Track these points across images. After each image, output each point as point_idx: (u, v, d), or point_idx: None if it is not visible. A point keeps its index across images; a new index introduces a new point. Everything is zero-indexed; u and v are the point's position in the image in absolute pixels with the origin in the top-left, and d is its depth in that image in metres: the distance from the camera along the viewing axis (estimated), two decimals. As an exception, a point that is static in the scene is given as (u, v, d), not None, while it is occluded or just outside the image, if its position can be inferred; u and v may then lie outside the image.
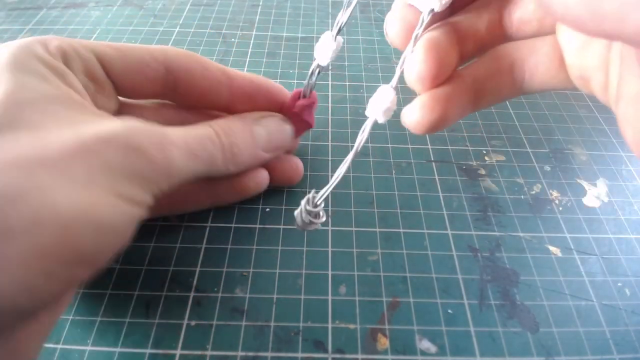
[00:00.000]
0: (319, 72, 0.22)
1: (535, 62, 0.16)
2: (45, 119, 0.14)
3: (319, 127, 0.31)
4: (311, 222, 0.18)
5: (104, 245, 0.14)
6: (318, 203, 0.18)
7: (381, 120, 0.17)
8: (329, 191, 0.18)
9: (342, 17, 0.19)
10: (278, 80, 0.35)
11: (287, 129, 0.23)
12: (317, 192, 0.18)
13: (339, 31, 0.19)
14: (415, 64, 0.15)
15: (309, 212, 0.18)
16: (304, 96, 0.23)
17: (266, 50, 0.39)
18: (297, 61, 0.37)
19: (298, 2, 0.45)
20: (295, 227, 0.19)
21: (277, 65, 0.37)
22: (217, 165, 0.18)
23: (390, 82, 0.17)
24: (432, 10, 0.15)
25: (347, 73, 0.36)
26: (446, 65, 0.15)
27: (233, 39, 0.40)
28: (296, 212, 0.19)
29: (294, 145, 0.26)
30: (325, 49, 0.20)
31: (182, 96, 0.22)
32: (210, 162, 0.18)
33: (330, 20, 0.42)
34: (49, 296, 0.13)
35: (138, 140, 0.15)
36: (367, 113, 0.17)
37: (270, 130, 0.21)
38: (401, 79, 0.17)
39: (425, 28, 0.15)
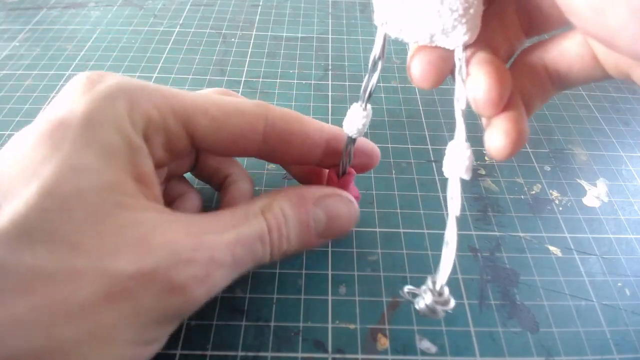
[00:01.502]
0: (352, 145, 0.19)
1: (568, 64, 0.15)
2: (90, 227, 0.12)
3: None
4: (441, 310, 0.15)
5: None
6: (442, 290, 0.15)
7: (467, 177, 0.16)
8: (448, 273, 0.15)
9: (370, 82, 0.17)
10: (278, 81, 0.35)
11: (352, 210, 0.19)
12: (434, 277, 0.15)
13: (369, 99, 0.17)
14: (481, 90, 0.14)
15: (437, 302, 0.15)
16: (343, 173, 0.20)
17: (266, 50, 0.39)
18: (297, 61, 0.37)
19: (298, 2, 0.45)
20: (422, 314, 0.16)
21: (277, 65, 0.37)
22: (261, 263, 0.16)
23: (460, 137, 0.16)
24: (464, 43, 0.14)
25: (347, 73, 0.36)
26: (508, 83, 0.14)
27: (233, 39, 0.40)
28: (420, 305, 0.16)
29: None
30: (355, 120, 0.18)
31: (273, 157, 0.19)
32: (255, 264, 0.16)
33: (330, 20, 0.42)
34: None
35: (183, 277, 0.12)
36: (447, 174, 0.16)
37: (333, 214, 0.18)
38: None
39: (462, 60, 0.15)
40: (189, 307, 0.13)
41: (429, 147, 0.30)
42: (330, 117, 0.32)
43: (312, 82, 0.35)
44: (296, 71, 0.36)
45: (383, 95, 0.34)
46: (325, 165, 0.20)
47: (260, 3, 0.45)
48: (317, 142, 0.18)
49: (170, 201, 0.21)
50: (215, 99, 0.17)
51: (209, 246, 0.14)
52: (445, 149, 0.16)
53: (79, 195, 0.12)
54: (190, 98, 0.16)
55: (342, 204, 0.18)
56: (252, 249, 0.15)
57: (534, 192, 0.28)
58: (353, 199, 0.19)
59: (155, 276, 0.12)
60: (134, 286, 0.12)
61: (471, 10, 0.13)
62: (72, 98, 0.14)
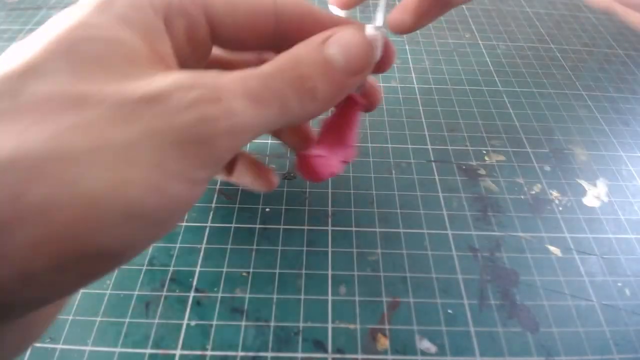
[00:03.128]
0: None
1: None
2: (91, 70, 0.11)
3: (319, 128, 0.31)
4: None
5: (133, 235, 0.11)
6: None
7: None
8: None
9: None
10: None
11: (363, 38, 0.17)
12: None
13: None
14: None
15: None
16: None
17: (266, 50, 0.39)
18: (297, 61, 0.37)
19: (298, 2, 0.45)
20: None
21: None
22: (294, 107, 0.14)
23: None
24: None
25: (347, 73, 0.36)
26: None
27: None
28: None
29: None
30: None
31: (286, 42, 0.18)
32: (283, 106, 0.14)
33: (330, 20, 0.42)
34: (55, 291, 0.11)
35: (190, 97, 0.12)
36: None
37: (346, 46, 0.16)
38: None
39: None
40: (213, 130, 0.12)
41: (429, 147, 0.30)
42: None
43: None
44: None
45: (383, 95, 0.34)
46: None
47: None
48: (329, 26, 0.17)
49: None
50: None
51: (212, 76, 0.13)
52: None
53: (89, 41, 0.12)
54: None
55: (350, 33, 0.16)
56: (268, 84, 0.13)
57: (534, 192, 0.28)
58: (362, 26, 0.17)
59: (160, 98, 0.11)
60: (141, 108, 0.11)
61: None
62: None
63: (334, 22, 0.17)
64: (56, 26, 0.12)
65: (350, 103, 0.19)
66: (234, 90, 0.13)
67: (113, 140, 0.10)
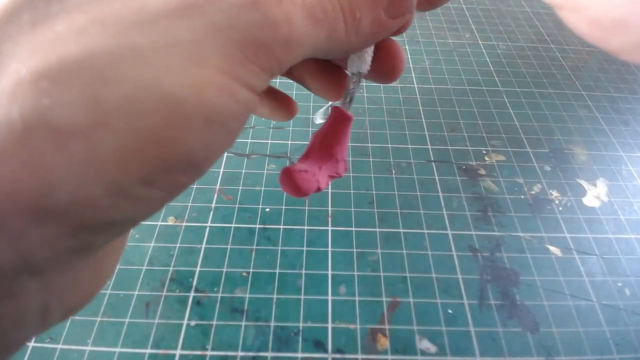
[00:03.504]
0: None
1: None
2: None
3: (319, 127, 0.31)
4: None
5: (212, 143, 0.10)
6: None
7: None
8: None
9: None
10: (278, 81, 0.35)
11: None
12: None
13: None
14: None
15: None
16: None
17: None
18: (297, 61, 0.37)
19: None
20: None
21: (277, 65, 0.37)
22: (340, 34, 0.13)
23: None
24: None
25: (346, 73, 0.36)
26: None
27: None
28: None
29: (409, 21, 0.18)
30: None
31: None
32: (332, 30, 0.13)
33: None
34: (144, 208, 0.10)
35: None
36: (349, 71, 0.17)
37: None
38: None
39: None
40: (275, 34, 0.11)
41: (429, 147, 0.30)
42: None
43: (312, 82, 0.35)
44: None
45: (383, 95, 0.34)
46: None
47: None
48: None
49: None
50: None
51: None
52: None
53: None
54: None
55: None
56: (324, 4, 0.12)
57: (534, 192, 0.28)
58: None
59: None
60: (200, 1, 0.10)
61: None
62: None
63: None
64: None
65: (340, 117, 0.19)
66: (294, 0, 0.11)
67: (180, 36, 0.09)
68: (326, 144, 0.20)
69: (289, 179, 0.19)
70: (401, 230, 0.25)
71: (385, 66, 0.18)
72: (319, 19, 0.12)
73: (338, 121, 0.20)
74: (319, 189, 0.19)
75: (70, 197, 0.08)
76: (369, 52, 0.17)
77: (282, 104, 0.21)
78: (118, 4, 0.09)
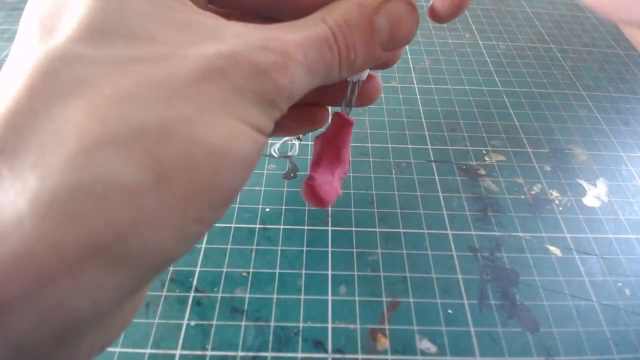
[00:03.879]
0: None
1: None
2: (158, 25, 0.11)
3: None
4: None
5: (244, 180, 0.12)
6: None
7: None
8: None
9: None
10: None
11: (415, 16, 0.16)
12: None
13: None
14: None
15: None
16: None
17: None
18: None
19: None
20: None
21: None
22: (332, 76, 0.15)
23: None
24: None
25: (347, 73, 0.36)
26: None
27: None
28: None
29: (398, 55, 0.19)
30: None
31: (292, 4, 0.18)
32: (326, 73, 0.15)
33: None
34: (195, 243, 0.11)
35: (265, 62, 0.12)
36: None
37: (395, 20, 0.16)
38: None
39: None
40: (278, 95, 0.13)
41: (429, 147, 0.30)
42: (330, 116, 0.32)
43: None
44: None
45: (383, 95, 0.34)
46: None
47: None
48: None
49: None
50: None
51: (280, 40, 0.13)
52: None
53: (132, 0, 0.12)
54: None
55: (404, 8, 0.16)
56: (321, 53, 0.14)
57: (534, 192, 0.28)
58: (413, 3, 0.17)
59: (238, 58, 0.12)
60: (225, 65, 0.12)
61: None
62: None
63: None
64: None
65: (342, 123, 0.21)
66: (296, 59, 0.13)
67: (212, 98, 0.11)
68: (333, 150, 0.22)
69: (313, 193, 0.21)
70: (401, 230, 0.25)
71: (365, 96, 0.20)
72: (314, 69, 0.14)
73: (341, 127, 0.21)
74: (338, 196, 0.21)
75: (143, 245, 0.09)
76: None
77: (308, 116, 0.22)
78: (152, 67, 0.11)
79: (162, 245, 0.10)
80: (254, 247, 0.24)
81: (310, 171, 0.22)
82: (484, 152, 0.30)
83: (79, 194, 0.09)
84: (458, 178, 0.28)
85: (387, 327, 0.21)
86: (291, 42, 0.13)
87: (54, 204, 0.08)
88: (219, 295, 0.22)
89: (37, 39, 0.11)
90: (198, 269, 0.23)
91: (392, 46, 0.16)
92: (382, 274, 0.23)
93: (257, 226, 0.25)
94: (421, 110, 0.33)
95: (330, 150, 0.22)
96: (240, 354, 0.20)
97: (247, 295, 0.22)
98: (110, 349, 0.20)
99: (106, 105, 0.10)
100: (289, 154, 0.28)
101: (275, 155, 0.26)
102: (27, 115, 0.09)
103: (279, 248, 0.24)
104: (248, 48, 0.12)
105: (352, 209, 0.26)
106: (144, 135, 0.10)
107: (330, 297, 0.22)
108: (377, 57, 0.16)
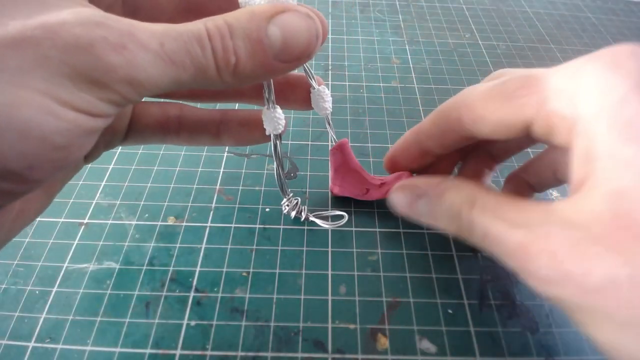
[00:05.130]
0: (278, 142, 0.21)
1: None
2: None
3: (318, 128, 0.31)
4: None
5: (33, 154, 0.12)
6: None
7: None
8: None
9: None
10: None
11: (312, 27, 0.16)
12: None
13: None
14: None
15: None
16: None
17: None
18: (297, 61, 0.37)
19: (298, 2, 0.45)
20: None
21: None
22: (209, 75, 0.15)
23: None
24: None
25: (347, 73, 0.36)
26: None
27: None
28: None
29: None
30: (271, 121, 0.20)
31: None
32: (199, 71, 0.14)
33: (330, 20, 0.42)
34: None
35: (90, 36, 0.12)
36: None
37: (289, 31, 0.15)
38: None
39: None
40: (110, 73, 0.12)
41: (429, 147, 0.30)
42: (330, 117, 0.32)
43: (312, 82, 0.35)
44: (295, 71, 0.36)
45: (383, 95, 0.34)
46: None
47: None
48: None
49: None
50: None
51: (128, 24, 0.13)
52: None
53: None
54: None
55: (300, 19, 0.16)
56: (188, 48, 0.14)
57: (534, 192, 0.28)
58: (313, 14, 0.16)
59: (60, 30, 0.12)
60: (39, 35, 0.11)
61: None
62: None
63: None
64: None
65: (337, 150, 0.24)
66: (146, 44, 0.13)
67: (8, 64, 0.11)
68: (351, 175, 0.26)
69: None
70: (401, 230, 0.25)
71: (294, 97, 0.21)
72: (181, 62, 0.14)
73: (339, 154, 0.24)
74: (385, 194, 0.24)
75: None
76: (326, 97, 0.21)
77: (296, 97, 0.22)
78: None
79: None
80: (254, 247, 0.24)
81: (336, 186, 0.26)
82: (484, 152, 0.30)
83: None
84: (458, 178, 0.28)
85: (387, 327, 0.21)
86: (146, 29, 0.13)
87: None
88: (219, 295, 0.22)
89: None
90: (198, 269, 0.23)
91: (288, 58, 0.16)
92: (382, 274, 0.23)
93: (257, 226, 0.25)
94: (421, 110, 0.33)
95: (349, 179, 0.25)
96: (240, 354, 0.20)
97: (247, 295, 0.22)
98: (110, 349, 0.20)
99: None
100: (289, 154, 0.28)
101: (294, 215, 0.25)
102: None
103: (279, 248, 0.24)
104: (77, 22, 0.12)
105: (352, 209, 0.26)
106: None
107: (330, 297, 0.22)
108: (272, 67, 0.16)
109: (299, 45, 0.16)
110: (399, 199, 0.21)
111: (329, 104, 0.21)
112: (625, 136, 0.13)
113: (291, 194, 0.24)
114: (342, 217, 0.25)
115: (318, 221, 0.25)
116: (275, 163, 0.22)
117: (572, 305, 0.14)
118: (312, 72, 0.20)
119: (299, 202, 0.25)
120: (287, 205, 0.24)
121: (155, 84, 0.13)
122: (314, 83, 0.20)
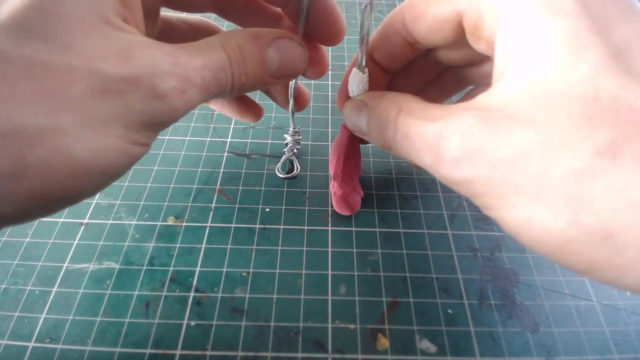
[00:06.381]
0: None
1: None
2: (83, 35, 0.13)
3: (319, 127, 0.31)
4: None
5: (103, 186, 0.14)
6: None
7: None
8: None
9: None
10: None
11: (303, 54, 0.20)
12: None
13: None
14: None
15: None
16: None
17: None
18: (297, 61, 0.37)
19: (298, 2, 0.45)
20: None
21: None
22: (225, 93, 0.17)
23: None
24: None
25: (347, 73, 0.36)
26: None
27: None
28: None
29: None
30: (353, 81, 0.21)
31: (235, 8, 0.21)
32: (219, 91, 0.17)
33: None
34: (38, 218, 0.14)
35: (164, 88, 0.14)
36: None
37: (285, 55, 0.19)
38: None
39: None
40: (170, 116, 0.15)
41: (429, 147, 0.30)
42: (330, 116, 0.32)
43: (312, 82, 0.35)
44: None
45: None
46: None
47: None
48: None
49: None
50: None
51: (184, 65, 0.15)
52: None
53: (70, 3, 0.13)
54: None
55: (294, 46, 0.19)
56: (217, 76, 0.16)
57: (534, 192, 0.28)
58: (303, 43, 0.20)
59: (141, 82, 0.13)
60: (124, 88, 0.13)
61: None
62: None
63: None
64: None
65: (349, 136, 0.24)
66: (194, 82, 0.15)
67: (97, 115, 0.13)
68: (349, 159, 0.25)
69: (345, 204, 0.25)
70: (401, 230, 0.25)
71: (324, 29, 0.21)
72: (211, 90, 0.16)
73: (348, 134, 0.24)
74: (361, 197, 0.26)
75: None
76: (363, 82, 0.21)
77: (249, 109, 0.25)
78: (55, 77, 0.12)
79: (7, 217, 0.12)
80: (254, 247, 0.24)
81: (334, 182, 0.25)
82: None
83: None
84: (458, 178, 0.28)
85: (387, 327, 0.21)
86: (193, 67, 0.15)
87: None
88: (219, 295, 0.22)
89: None
90: (198, 269, 0.23)
91: (281, 75, 0.19)
92: (382, 274, 0.23)
93: (257, 226, 0.25)
94: (421, 110, 0.33)
95: (348, 160, 0.25)
96: (240, 354, 0.20)
97: (247, 295, 0.22)
98: (110, 349, 0.20)
99: (0, 102, 0.11)
100: (293, 174, 0.28)
101: (280, 175, 0.28)
102: None
103: (279, 248, 0.24)
104: (154, 73, 0.14)
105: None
106: (20, 135, 0.12)
107: (330, 297, 0.22)
108: (267, 82, 0.19)
109: (291, 66, 0.19)
110: (347, 114, 0.21)
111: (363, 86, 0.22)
112: (545, 10, 0.13)
113: (298, 127, 0.27)
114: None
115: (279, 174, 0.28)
116: (290, 100, 0.24)
117: (480, 187, 0.13)
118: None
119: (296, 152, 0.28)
120: (290, 137, 0.27)
121: (189, 111, 0.16)
122: (291, 90, 0.24)
